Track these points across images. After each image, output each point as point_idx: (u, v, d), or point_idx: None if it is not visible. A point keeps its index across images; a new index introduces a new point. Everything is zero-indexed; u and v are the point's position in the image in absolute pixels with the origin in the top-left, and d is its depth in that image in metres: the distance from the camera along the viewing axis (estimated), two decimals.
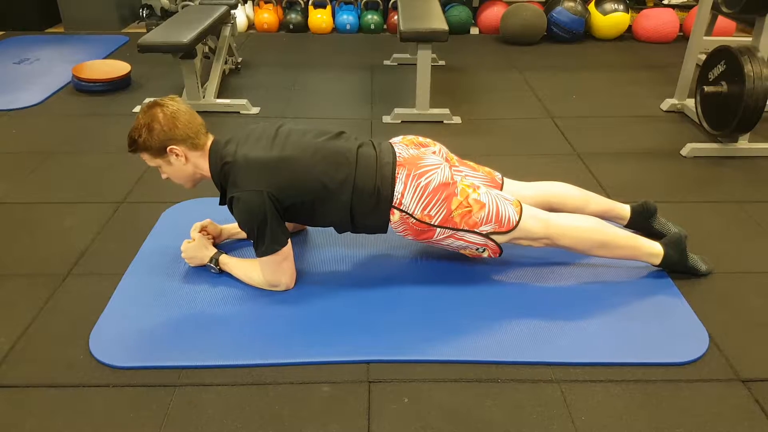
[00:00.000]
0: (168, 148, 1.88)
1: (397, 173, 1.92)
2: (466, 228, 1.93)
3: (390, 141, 2.08)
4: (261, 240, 1.89)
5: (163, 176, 2.00)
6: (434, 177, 1.91)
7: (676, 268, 2.07)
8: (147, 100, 3.49)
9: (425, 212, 1.90)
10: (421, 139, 2.11)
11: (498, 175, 2.18)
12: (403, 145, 2.04)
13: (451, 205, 1.91)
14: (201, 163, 1.93)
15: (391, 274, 2.12)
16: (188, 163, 1.92)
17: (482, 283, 2.07)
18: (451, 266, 2.14)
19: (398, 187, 1.90)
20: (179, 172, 1.95)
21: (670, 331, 1.85)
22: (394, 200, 1.91)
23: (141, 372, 1.71)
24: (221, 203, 1.96)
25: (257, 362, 1.74)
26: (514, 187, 2.16)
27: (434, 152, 2.07)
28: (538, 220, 1.97)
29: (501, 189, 2.13)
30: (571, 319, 1.89)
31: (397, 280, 2.08)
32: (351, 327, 1.87)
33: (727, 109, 2.90)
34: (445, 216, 1.91)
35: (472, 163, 2.19)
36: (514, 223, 1.94)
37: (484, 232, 1.94)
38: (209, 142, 1.95)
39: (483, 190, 1.96)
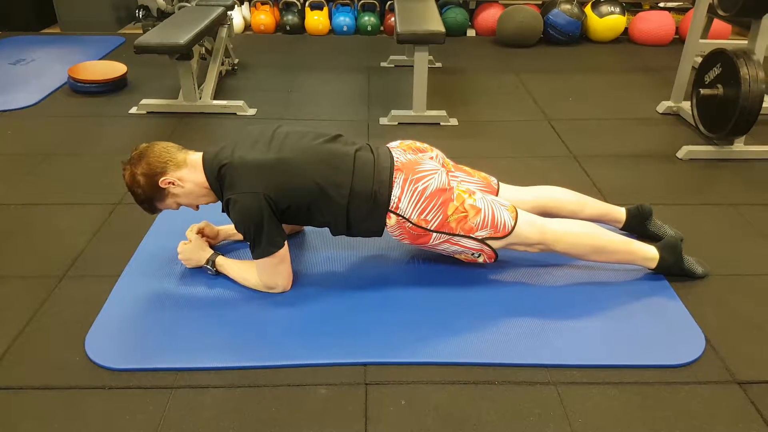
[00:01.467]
0: (159, 183, 1.89)
1: (395, 177, 1.92)
2: (461, 233, 1.93)
3: (387, 145, 2.08)
4: (257, 242, 1.88)
5: (193, 209, 2.04)
6: (431, 182, 1.92)
7: (671, 271, 2.08)
8: (144, 102, 3.54)
9: (422, 217, 1.90)
10: (418, 144, 2.12)
11: (494, 180, 2.19)
12: (400, 150, 2.04)
13: (447, 210, 1.91)
14: (196, 177, 1.92)
15: (388, 276, 2.12)
16: (186, 182, 1.92)
17: (479, 284, 2.07)
18: (448, 268, 2.14)
19: (395, 192, 1.90)
20: (188, 195, 1.95)
21: (667, 333, 1.86)
22: (391, 204, 1.91)
23: (137, 374, 1.71)
24: (223, 210, 1.95)
25: (254, 364, 1.74)
26: (509, 192, 2.17)
27: (431, 158, 2.07)
28: (533, 225, 1.98)
29: (497, 194, 2.14)
30: (567, 321, 1.90)
31: (394, 282, 2.08)
32: (348, 329, 1.87)
33: (722, 111, 2.91)
34: (442, 221, 1.91)
35: (467, 168, 2.20)
36: (510, 229, 1.94)
37: (480, 238, 1.94)
38: (190, 156, 1.95)
39: (479, 196, 1.97)
